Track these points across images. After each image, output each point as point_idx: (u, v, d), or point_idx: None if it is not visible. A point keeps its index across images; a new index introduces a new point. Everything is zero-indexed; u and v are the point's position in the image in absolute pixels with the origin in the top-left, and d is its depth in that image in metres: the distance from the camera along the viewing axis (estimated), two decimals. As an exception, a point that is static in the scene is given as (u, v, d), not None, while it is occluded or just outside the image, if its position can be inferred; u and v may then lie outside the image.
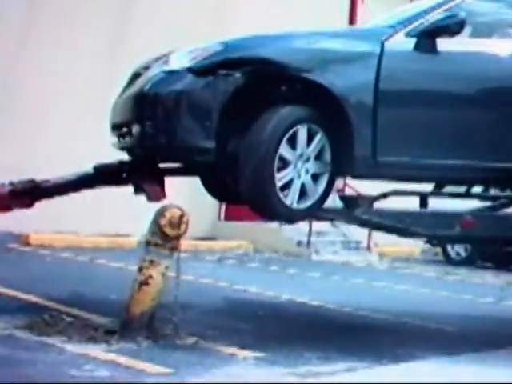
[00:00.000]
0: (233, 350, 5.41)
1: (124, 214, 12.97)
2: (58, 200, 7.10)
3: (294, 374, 4.88)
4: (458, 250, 15.96)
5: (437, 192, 7.33)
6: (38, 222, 10.78)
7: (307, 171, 5.56)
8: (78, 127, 13.07)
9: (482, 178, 6.34)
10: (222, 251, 13.69)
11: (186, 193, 10.66)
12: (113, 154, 6.70)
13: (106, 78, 13.13)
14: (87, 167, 6.90)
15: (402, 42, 5.80)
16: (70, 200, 7.39)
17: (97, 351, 5.00)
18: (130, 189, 7.22)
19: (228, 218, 15.78)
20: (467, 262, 15.50)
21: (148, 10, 14.20)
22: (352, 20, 17.88)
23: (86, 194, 7.29)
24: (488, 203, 7.35)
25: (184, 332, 5.64)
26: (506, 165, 5.97)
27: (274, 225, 14.84)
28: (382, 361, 5.46)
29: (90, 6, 13.43)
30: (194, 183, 7.86)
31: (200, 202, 10.76)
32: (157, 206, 6.13)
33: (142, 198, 6.56)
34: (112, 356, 4.91)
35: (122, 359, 4.85)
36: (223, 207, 15.61)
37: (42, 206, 7.03)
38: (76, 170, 6.97)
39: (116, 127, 6.13)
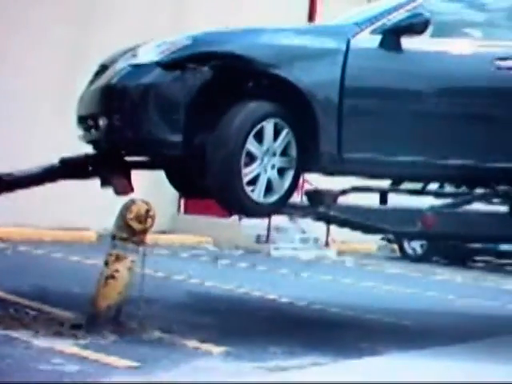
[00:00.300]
0: (199, 344, 5.44)
1: (83, 207, 12.91)
2: (16, 193, 7.02)
3: (263, 368, 4.93)
4: (414, 247, 16.15)
5: (396, 189, 7.44)
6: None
7: (273, 166, 5.59)
8: (38, 120, 12.97)
9: (444, 174, 6.43)
10: (182, 245, 13.69)
11: (145, 186, 10.56)
12: (73, 147, 6.69)
13: (68, 70, 13.10)
14: (47, 161, 6.88)
15: (368, 40, 5.86)
16: (28, 193, 7.31)
17: (64, 345, 4.99)
18: (89, 182, 7.22)
19: (188, 211, 15.77)
20: (423, 259, 15.71)
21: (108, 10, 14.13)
22: (311, 17, 17.95)
23: (45, 187, 7.21)
24: (447, 200, 7.48)
25: (150, 326, 5.66)
26: (466, 162, 6.07)
27: (234, 219, 14.89)
28: (345, 355, 5.53)
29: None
30: (153, 176, 7.86)
31: (159, 195, 10.77)
32: (117, 199, 6.15)
33: (101, 191, 6.54)
34: (79, 350, 4.91)
35: (90, 353, 4.85)
36: (183, 200, 15.60)
37: (-1, 198, 6.98)
38: (36, 163, 6.92)
39: (82, 120, 6.10)
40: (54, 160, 6.82)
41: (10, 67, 12.75)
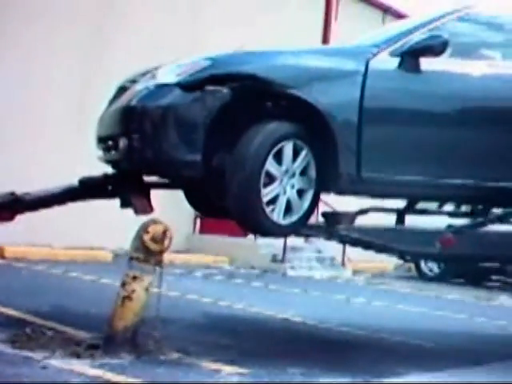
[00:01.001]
0: (216, 365, 5.40)
1: (98, 227, 12.94)
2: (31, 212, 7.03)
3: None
4: (430, 266, 16.08)
5: (414, 209, 7.41)
6: (11, 234, 10.69)
7: (293, 187, 5.59)
8: (55, 140, 13.02)
9: (465, 196, 6.39)
10: (198, 265, 13.68)
11: (160, 205, 10.62)
12: (89, 168, 6.71)
13: (84, 88, 13.16)
14: (64, 180, 6.90)
15: (386, 61, 5.85)
16: (44, 212, 7.32)
17: (81, 366, 4.97)
18: (104, 202, 7.23)
19: (203, 231, 15.77)
20: (440, 278, 15.62)
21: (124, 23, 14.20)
22: (325, 39, 18.00)
23: (61, 207, 7.22)
24: (463, 221, 7.44)
25: (167, 347, 5.63)
26: (487, 183, 6.05)
27: (250, 239, 14.91)
28: (364, 377, 5.49)
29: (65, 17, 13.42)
30: (168, 195, 7.85)
31: (175, 215, 10.76)
32: (133, 219, 6.15)
33: (116, 210, 6.53)
34: (97, 371, 4.88)
35: (108, 375, 4.82)
36: (198, 220, 15.61)
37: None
38: (53, 183, 6.94)
39: (102, 140, 6.12)
40: (66, 181, 6.86)
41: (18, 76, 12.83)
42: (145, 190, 6.43)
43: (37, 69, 12.96)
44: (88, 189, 6.72)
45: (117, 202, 6.67)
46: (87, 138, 6.87)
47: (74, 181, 6.81)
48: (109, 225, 12.58)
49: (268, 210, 5.46)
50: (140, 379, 4.78)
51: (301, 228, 5.86)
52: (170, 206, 10.68)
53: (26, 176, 10.70)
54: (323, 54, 6.08)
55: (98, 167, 6.55)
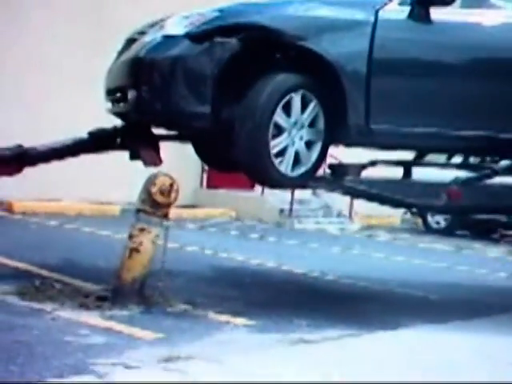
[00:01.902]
0: (223, 317, 5.46)
1: (106, 181, 12.97)
2: (39, 167, 7.06)
3: (286, 340, 4.94)
4: (437, 220, 16.08)
5: (420, 162, 7.40)
6: (20, 189, 10.76)
7: (301, 138, 5.59)
8: (60, 94, 13.00)
9: (474, 146, 6.36)
10: (205, 219, 13.74)
11: (167, 160, 10.63)
12: (94, 121, 6.73)
13: (89, 44, 13.10)
14: (71, 134, 6.92)
15: (396, 11, 5.80)
16: (52, 167, 7.33)
17: (90, 317, 5.04)
18: (112, 157, 7.25)
19: (210, 185, 15.80)
20: (447, 232, 15.63)
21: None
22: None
23: (68, 162, 7.24)
24: (470, 173, 7.44)
25: (174, 299, 5.69)
26: (495, 134, 6.01)
27: (257, 193, 14.94)
28: (370, 328, 5.54)
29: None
30: (175, 150, 7.85)
31: (182, 170, 10.78)
32: (139, 173, 6.17)
33: (123, 165, 6.52)
34: (105, 322, 4.95)
35: (116, 325, 4.89)
36: (205, 175, 15.62)
37: (23, 172, 6.94)
38: (58, 136, 6.95)
39: (111, 92, 6.11)
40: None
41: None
42: (154, 142, 6.45)
43: (54, 29, 12.94)
44: (97, 141, 6.74)
45: (124, 157, 6.70)
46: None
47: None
48: (116, 180, 12.60)
49: (276, 161, 5.47)
50: (149, 330, 4.83)
51: (309, 180, 5.86)
52: (177, 161, 10.68)
53: (37, 129, 10.65)
54: (332, 4, 6.02)
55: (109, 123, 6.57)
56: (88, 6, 13.52)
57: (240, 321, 5.39)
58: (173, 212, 5.82)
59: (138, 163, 6.47)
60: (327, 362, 4.57)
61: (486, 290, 8.28)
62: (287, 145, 5.53)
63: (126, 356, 4.22)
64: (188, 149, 7.15)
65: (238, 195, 15.08)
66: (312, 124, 5.61)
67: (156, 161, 6.31)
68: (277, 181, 5.66)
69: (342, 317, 5.85)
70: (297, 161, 5.59)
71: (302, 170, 5.63)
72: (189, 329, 5.04)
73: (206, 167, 14.88)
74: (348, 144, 6.19)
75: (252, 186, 15.01)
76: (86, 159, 7.30)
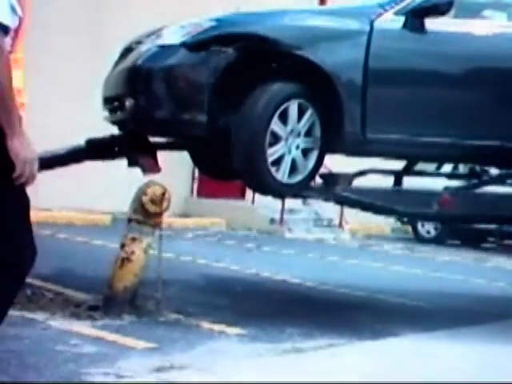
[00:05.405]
0: (215, 326, 5.45)
1: (97, 191, 12.95)
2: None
3: (278, 350, 4.94)
4: (427, 228, 16.12)
5: (411, 171, 7.42)
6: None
7: (298, 147, 5.61)
8: (57, 103, 12.99)
9: (469, 155, 6.39)
10: (197, 228, 13.72)
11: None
12: (91, 131, 6.71)
13: (86, 53, 13.11)
14: (68, 143, 6.89)
15: (391, 21, 5.83)
16: (44, 176, 7.27)
17: (81, 327, 5.03)
18: (103, 166, 7.23)
19: (200, 194, 15.79)
20: (436, 240, 15.67)
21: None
22: (322, 0, 17.86)
23: (60, 171, 7.21)
24: (460, 182, 7.47)
25: (166, 308, 5.68)
26: (491, 142, 6.05)
27: (247, 202, 14.95)
28: (361, 337, 5.54)
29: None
30: (165, 159, 7.83)
31: (172, 179, 10.72)
32: (130, 183, 6.16)
33: (115, 174, 6.50)
34: (97, 332, 4.94)
35: (107, 334, 4.88)
36: (195, 183, 15.62)
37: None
38: (55, 145, 6.93)
39: (108, 101, 6.14)
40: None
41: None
42: (151, 150, 6.46)
43: (51, 38, 12.95)
44: (95, 149, 6.74)
45: (116, 166, 6.69)
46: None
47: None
48: (107, 189, 12.60)
49: (273, 169, 5.50)
50: (141, 340, 4.81)
51: (305, 188, 5.89)
52: (168, 170, 10.64)
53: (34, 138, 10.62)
54: (328, 13, 6.08)
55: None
56: (85, 16, 13.54)
57: (232, 330, 5.38)
58: (164, 221, 5.82)
59: (130, 172, 6.47)
60: (319, 372, 4.56)
61: (480, 299, 8.29)
62: (284, 153, 5.55)
63: (118, 366, 4.20)
64: (178, 158, 7.15)
65: (228, 204, 15.09)
66: (308, 133, 5.64)
67: (154, 168, 6.34)
68: (273, 189, 5.70)
69: (334, 326, 5.85)
70: (293, 169, 5.62)
71: (298, 178, 5.66)
72: (181, 338, 5.03)
73: (197, 176, 14.90)
74: (344, 152, 6.22)
75: (243, 195, 15.04)
76: (76, 169, 7.28)
